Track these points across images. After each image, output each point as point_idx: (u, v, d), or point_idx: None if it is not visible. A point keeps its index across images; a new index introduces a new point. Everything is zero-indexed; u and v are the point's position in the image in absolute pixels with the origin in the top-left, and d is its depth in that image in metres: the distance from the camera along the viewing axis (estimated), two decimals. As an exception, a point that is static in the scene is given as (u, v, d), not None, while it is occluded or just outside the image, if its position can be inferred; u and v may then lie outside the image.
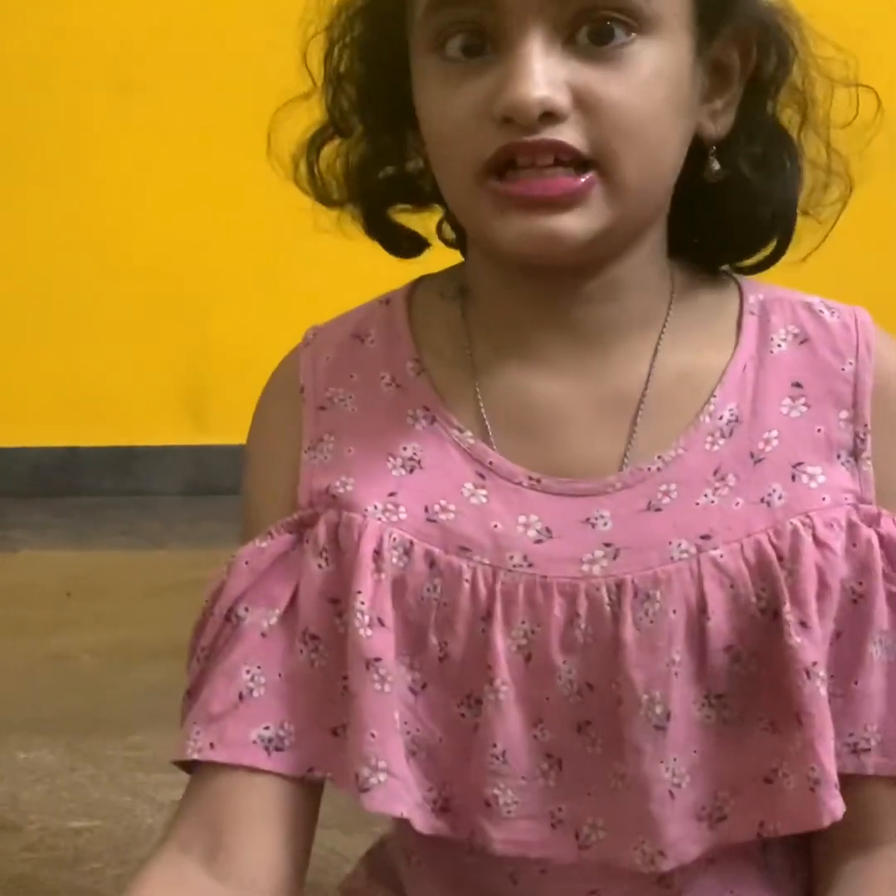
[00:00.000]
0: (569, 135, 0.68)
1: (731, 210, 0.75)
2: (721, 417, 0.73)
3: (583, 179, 0.68)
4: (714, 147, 0.74)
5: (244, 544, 0.77)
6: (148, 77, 2.77)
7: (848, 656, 0.72)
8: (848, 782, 0.71)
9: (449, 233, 0.82)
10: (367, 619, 0.71)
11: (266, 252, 2.76)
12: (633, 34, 0.68)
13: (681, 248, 0.78)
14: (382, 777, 0.71)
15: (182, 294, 2.86)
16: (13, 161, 2.86)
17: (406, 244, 0.81)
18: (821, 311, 0.76)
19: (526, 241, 0.69)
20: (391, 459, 0.74)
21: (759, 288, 0.78)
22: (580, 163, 0.68)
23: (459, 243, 0.82)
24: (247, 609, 0.75)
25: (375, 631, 0.72)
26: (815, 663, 0.70)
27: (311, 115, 0.78)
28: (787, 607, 0.69)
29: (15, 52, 2.82)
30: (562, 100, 0.67)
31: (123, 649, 2.07)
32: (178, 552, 2.57)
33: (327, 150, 0.79)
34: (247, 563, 0.76)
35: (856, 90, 0.74)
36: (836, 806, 0.70)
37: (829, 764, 0.70)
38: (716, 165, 0.74)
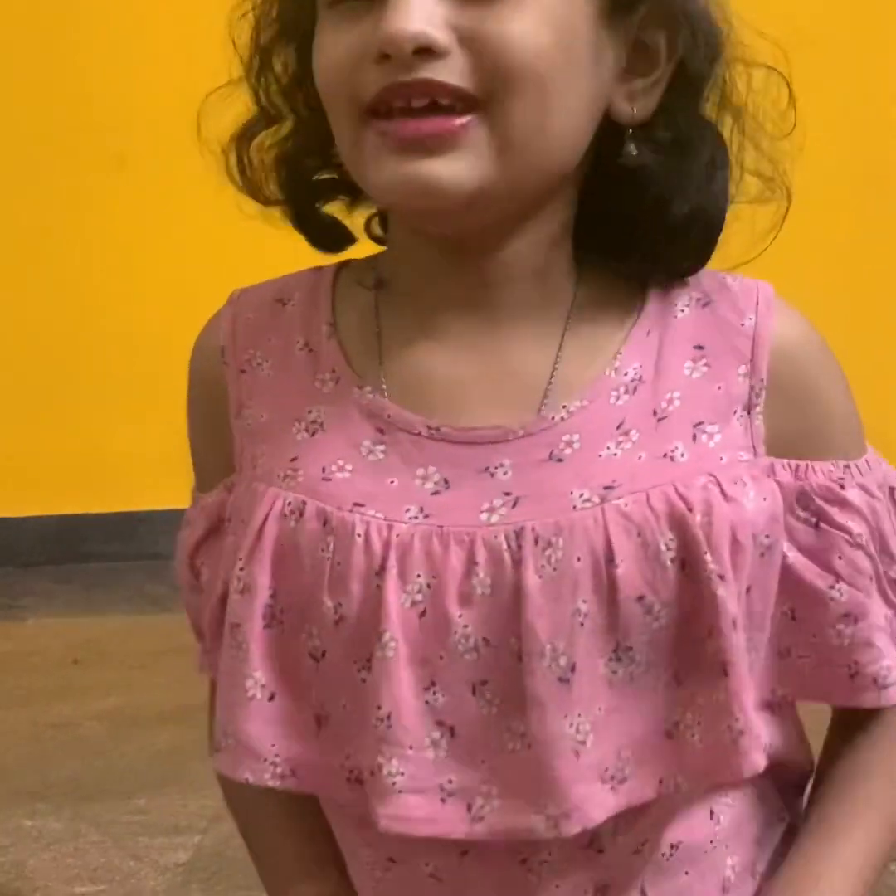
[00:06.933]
0: (445, 73, 0.65)
1: (646, 202, 0.71)
2: (626, 374, 0.72)
3: (458, 122, 0.65)
4: (631, 130, 0.71)
5: (196, 492, 0.81)
6: (143, 153, 2.84)
7: (759, 609, 0.71)
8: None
9: (376, 229, 0.80)
10: (240, 584, 0.71)
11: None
12: None
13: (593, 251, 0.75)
14: (230, 742, 0.71)
15: (182, 359, 2.89)
16: (15, 236, 2.93)
17: (330, 240, 0.79)
18: (724, 278, 0.75)
19: (399, 187, 0.67)
20: (296, 424, 0.74)
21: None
22: (462, 108, 0.66)
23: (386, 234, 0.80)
24: (202, 563, 0.79)
25: (243, 596, 0.71)
26: (736, 614, 0.68)
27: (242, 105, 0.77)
28: (709, 557, 0.67)
29: (14, 130, 2.90)
30: (438, 35, 0.65)
31: (128, 715, 2.10)
32: (184, 615, 2.60)
33: (256, 145, 0.77)
34: (198, 511, 0.80)
35: (790, 101, 0.72)
36: (758, 759, 0.69)
37: (753, 715, 0.69)
38: (632, 149, 0.71)
